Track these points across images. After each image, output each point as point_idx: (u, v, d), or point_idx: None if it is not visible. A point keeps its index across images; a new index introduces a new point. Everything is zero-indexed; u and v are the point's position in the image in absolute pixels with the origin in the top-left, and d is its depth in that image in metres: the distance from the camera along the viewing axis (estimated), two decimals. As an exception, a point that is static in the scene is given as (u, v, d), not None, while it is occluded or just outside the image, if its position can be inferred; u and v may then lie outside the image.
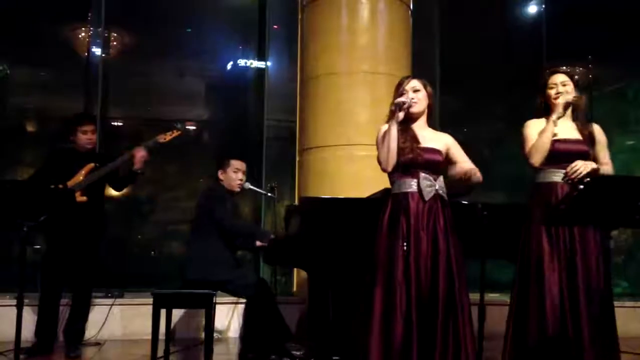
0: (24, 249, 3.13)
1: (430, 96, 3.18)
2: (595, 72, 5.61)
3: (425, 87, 3.17)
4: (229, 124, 6.87)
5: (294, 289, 5.51)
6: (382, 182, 3.29)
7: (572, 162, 3.13)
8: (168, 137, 4.38)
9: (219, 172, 4.23)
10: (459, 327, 2.89)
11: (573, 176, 3.12)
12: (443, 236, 2.97)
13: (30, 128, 6.53)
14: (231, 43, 6.79)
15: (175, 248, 6.46)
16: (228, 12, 6.80)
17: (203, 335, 3.90)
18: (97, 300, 4.81)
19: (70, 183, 4.15)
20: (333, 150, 4.93)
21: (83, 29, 6.41)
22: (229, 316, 5.12)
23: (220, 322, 4.93)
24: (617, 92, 7.31)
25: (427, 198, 2.99)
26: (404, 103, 3.03)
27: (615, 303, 3.18)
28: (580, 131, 3.24)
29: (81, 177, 4.21)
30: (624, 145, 7.03)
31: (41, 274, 4.26)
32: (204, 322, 3.90)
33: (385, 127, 3.07)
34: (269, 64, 6.62)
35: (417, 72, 4.86)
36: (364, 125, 4.73)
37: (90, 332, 4.63)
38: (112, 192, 4.59)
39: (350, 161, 4.83)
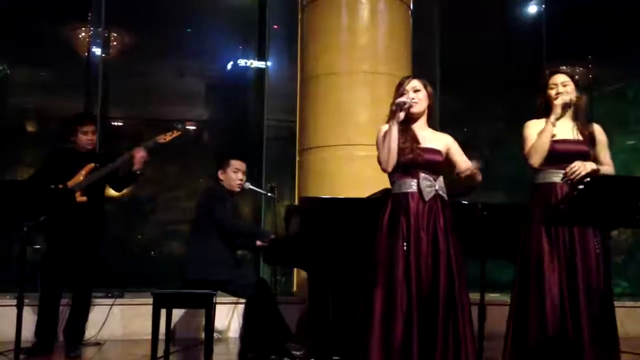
0: (24, 249, 3.13)
1: (430, 96, 3.18)
2: (595, 72, 5.62)
3: (425, 87, 3.17)
4: (229, 124, 6.88)
5: (294, 289, 5.51)
6: (382, 182, 3.29)
7: (571, 162, 3.13)
8: (168, 137, 4.38)
9: (219, 172, 4.23)
10: (459, 327, 2.89)
11: (572, 177, 3.12)
12: (443, 236, 2.97)
13: (30, 128, 6.53)
14: (231, 43, 6.79)
15: (175, 248, 6.46)
16: (228, 12, 6.80)
17: (203, 335, 3.90)
18: (97, 300, 4.81)
19: (70, 183, 4.16)
20: (333, 150, 4.93)
21: (83, 29, 6.41)
22: (229, 316, 5.13)
23: (220, 322, 4.94)
24: (617, 92, 7.32)
25: (427, 198, 2.99)
26: (404, 103, 3.02)
27: (615, 303, 3.18)
28: (581, 131, 3.23)
29: (81, 177, 4.21)
30: (624, 145, 7.03)
31: (41, 274, 4.26)
32: (204, 322, 3.90)
33: (385, 127, 3.07)
34: (269, 64, 6.62)
35: (417, 72, 4.86)
36: (364, 125, 4.73)
37: (90, 332, 4.63)
38: (112, 192, 4.59)
39: (350, 161, 4.83)
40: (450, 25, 6.83)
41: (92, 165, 4.28)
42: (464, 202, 3.46)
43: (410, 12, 5.36)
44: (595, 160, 3.20)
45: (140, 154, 4.28)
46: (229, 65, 6.80)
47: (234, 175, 4.22)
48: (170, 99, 6.72)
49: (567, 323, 3.01)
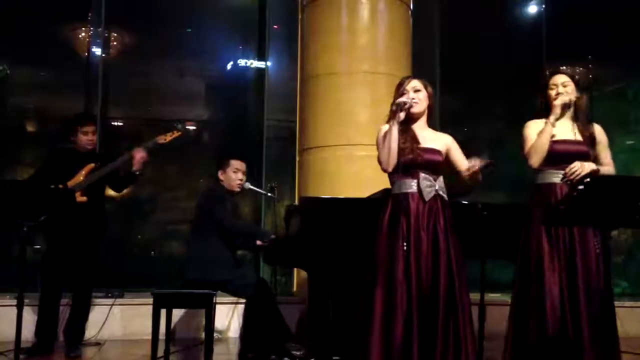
0: (24, 249, 3.13)
1: (430, 96, 3.18)
2: (595, 72, 5.62)
3: (425, 88, 3.17)
4: (229, 124, 6.88)
5: (294, 289, 5.51)
6: (382, 182, 3.29)
7: (571, 163, 3.13)
8: (168, 137, 4.38)
9: (219, 172, 4.23)
10: (460, 327, 2.89)
11: (571, 177, 3.12)
12: (443, 236, 2.97)
13: (30, 128, 6.53)
14: (231, 43, 6.79)
15: (175, 248, 6.46)
16: (228, 12, 6.80)
17: (203, 335, 3.90)
18: (97, 300, 4.81)
19: (70, 183, 4.16)
20: (333, 150, 4.93)
21: (83, 29, 6.41)
22: (229, 316, 5.13)
23: (220, 322, 4.93)
24: (617, 92, 7.32)
25: (427, 198, 2.99)
26: (405, 103, 3.02)
27: (615, 303, 3.18)
28: (581, 132, 3.23)
29: (81, 178, 4.21)
30: (624, 145, 7.03)
31: (41, 274, 4.26)
32: (204, 322, 3.89)
33: (385, 127, 3.07)
34: (269, 63, 6.63)
35: (417, 72, 4.87)
36: (364, 125, 4.73)
37: (91, 332, 4.63)
38: (112, 192, 4.59)
39: (350, 161, 4.83)
40: (450, 25, 6.83)
41: (92, 165, 4.28)
42: (464, 202, 3.46)
43: (410, 12, 5.36)
44: (596, 160, 3.20)
45: (140, 155, 4.28)
46: (229, 65, 6.80)
47: (234, 175, 4.22)
48: (170, 99, 6.72)
49: (567, 323, 3.01)
